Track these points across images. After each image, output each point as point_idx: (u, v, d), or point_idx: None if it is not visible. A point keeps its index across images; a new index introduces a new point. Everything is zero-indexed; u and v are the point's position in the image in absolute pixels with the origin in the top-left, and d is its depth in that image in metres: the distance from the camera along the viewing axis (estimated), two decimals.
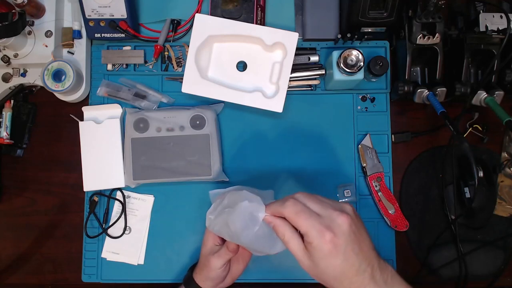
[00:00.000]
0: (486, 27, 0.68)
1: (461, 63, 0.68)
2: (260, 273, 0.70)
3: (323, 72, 0.72)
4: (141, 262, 0.71)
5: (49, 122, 0.75)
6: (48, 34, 0.71)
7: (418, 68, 0.72)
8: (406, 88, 0.68)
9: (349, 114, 0.73)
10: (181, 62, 0.74)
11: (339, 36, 0.71)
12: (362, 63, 0.65)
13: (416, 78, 0.72)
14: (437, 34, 0.66)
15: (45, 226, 0.73)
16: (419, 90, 0.67)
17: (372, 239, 0.70)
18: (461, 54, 0.68)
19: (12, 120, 0.71)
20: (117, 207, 0.72)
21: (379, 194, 0.70)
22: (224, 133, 0.73)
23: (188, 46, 0.68)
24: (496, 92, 0.66)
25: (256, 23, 0.71)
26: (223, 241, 0.58)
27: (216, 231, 0.54)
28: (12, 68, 0.72)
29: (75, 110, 0.73)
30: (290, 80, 0.71)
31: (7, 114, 0.71)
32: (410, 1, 0.67)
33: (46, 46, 0.70)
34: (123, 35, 0.71)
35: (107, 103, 0.73)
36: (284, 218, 0.47)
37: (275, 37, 0.66)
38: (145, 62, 0.74)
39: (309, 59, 0.73)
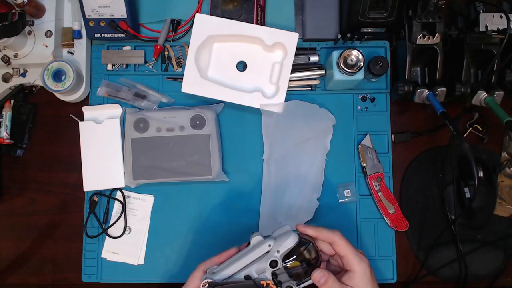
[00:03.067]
0: (486, 27, 0.69)
1: (461, 63, 0.68)
2: None
3: (323, 72, 0.72)
4: (141, 262, 0.71)
5: (49, 122, 0.75)
6: (48, 34, 0.71)
7: (418, 68, 0.72)
8: (406, 88, 0.68)
9: (349, 114, 0.73)
10: (181, 62, 0.74)
11: (339, 36, 0.71)
12: (362, 63, 0.65)
13: (416, 78, 0.72)
14: (437, 34, 0.66)
15: (45, 226, 0.73)
16: (419, 90, 0.67)
17: (372, 239, 0.71)
18: (461, 54, 0.68)
19: (12, 120, 0.71)
20: (117, 207, 0.72)
21: (379, 194, 0.70)
22: (224, 133, 0.73)
23: (188, 46, 0.68)
24: (496, 92, 0.66)
25: (256, 23, 0.71)
26: None
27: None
28: (12, 68, 0.72)
29: (75, 110, 0.73)
30: (290, 80, 0.71)
31: (7, 114, 0.71)
32: (410, 1, 0.67)
33: (46, 46, 0.70)
34: (123, 35, 0.71)
35: (107, 103, 0.73)
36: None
37: (275, 37, 0.66)
38: (145, 62, 0.74)
39: (309, 59, 0.73)
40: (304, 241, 0.51)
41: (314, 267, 0.51)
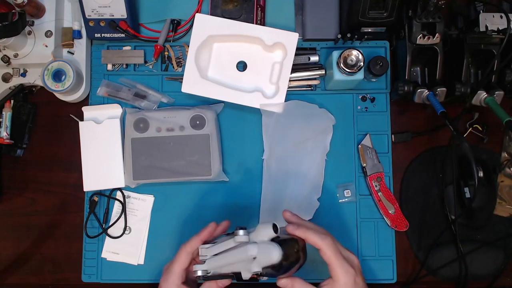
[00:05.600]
0: (486, 27, 0.68)
1: (461, 63, 0.68)
2: None
3: (323, 72, 0.72)
4: (141, 262, 0.71)
5: (49, 122, 0.75)
6: (48, 34, 0.71)
7: (418, 68, 0.72)
8: (406, 88, 0.68)
9: (349, 114, 0.73)
10: (181, 62, 0.74)
11: (339, 36, 0.71)
12: (362, 63, 0.65)
13: (416, 78, 0.72)
14: (437, 34, 0.66)
15: (45, 226, 0.73)
16: (419, 90, 0.67)
17: (372, 239, 0.71)
18: (461, 54, 0.68)
19: (12, 120, 0.71)
20: (117, 207, 0.72)
21: (379, 194, 0.70)
22: (224, 133, 0.73)
23: (188, 46, 0.68)
24: (496, 92, 0.66)
25: (256, 23, 0.71)
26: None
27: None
28: (12, 68, 0.72)
29: (75, 110, 0.73)
30: (290, 80, 0.71)
31: (7, 114, 0.71)
32: (410, 1, 0.67)
33: (46, 46, 0.70)
34: (123, 35, 0.71)
35: (107, 103, 0.73)
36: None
37: (275, 37, 0.66)
38: (145, 62, 0.74)
39: (309, 59, 0.73)
40: (288, 253, 0.49)
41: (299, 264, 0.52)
